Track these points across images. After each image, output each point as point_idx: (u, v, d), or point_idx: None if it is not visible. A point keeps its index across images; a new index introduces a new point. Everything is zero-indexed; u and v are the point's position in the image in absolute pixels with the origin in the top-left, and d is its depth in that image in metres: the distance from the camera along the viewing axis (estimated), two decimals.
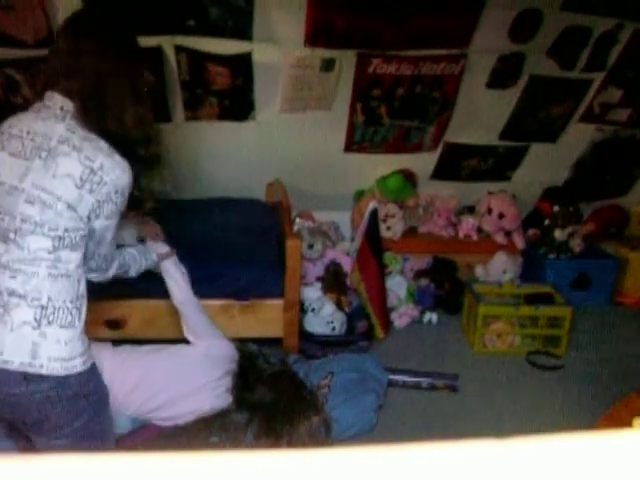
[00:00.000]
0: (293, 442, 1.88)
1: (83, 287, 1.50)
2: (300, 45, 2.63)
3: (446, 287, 3.24)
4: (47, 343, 1.39)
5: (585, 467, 0.46)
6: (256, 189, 3.26)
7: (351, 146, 3.21)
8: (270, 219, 2.96)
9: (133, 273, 1.86)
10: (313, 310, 2.85)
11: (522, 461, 0.46)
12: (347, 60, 2.77)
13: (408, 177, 3.42)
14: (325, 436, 1.99)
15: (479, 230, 3.49)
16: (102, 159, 1.43)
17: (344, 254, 3.25)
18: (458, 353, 2.88)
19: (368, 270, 2.94)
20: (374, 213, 2.90)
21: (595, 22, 2.74)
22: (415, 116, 3.10)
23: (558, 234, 3.33)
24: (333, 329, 2.81)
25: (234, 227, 2.82)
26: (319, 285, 3.02)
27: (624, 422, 1.86)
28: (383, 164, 3.37)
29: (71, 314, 1.44)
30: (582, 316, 3.06)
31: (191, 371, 2.05)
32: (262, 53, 2.65)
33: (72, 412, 1.44)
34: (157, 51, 2.60)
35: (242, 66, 2.71)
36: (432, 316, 3.15)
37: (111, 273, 1.70)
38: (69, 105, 1.46)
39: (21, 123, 1.48)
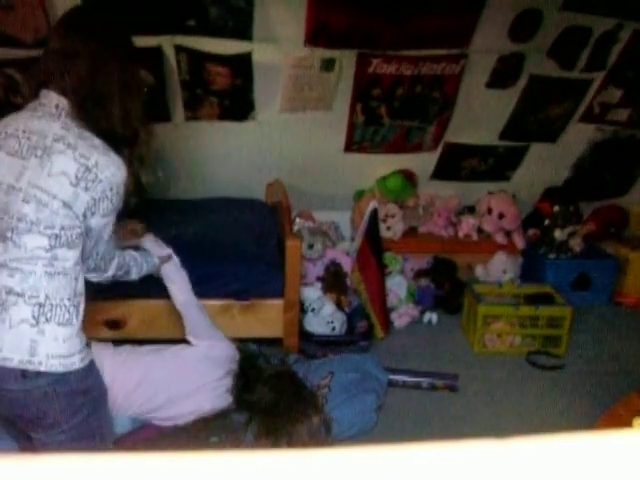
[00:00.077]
0: (293, 442, 1.88)
1: (81, 285, 1.50)
2: (300, 45, 2.64)
3: (446, 287, 3.24)
4: (45, 340, 1.40)
5: (585, 467, 0.46)
6: (256, 189, 3.26)
7: (351, 146, 3.20)
8: (270, 219, 2.96)
9: (134, 276, 1.85)
10: (313, 310, 2.84)
11: (522, 461, 0.46)
12: (347, 60, 2.77)
13: (408, 177, 3.42)
14: (325, 436, 1.99)
15: (479, 230, 3.49)
16: (97, 157, 1.43)
17: (344, 254, 3.24)
18: (458, 353, 2.87)
19: (368, 270, 2.94)
20: (374, 213, 2.91)
21: (595, 22, 2.75)
22: (415, 116, 3.10)
23: (558, 234, 3.33)
24: (333, 329, 2.81)
25: (234, 227, 2.82)
26: (319, 285, 3.02)
27: (624, 422, 1.87)
28: (383, 164, 3.36)
29: (69, 312, 1.44)
30: (582, 316, 3.06)
31: (191, 371, 2.04)
32: (262, 53, 2.65)
33: (69, 409, 1.44)
34: (157, 51, 2.60)
35: (242, 66, 2.71)
36: (432, 316, 3.15)
37: (110, 273, 1.69)
38: (64, 103, 1.46)
39: (17, 122, 1.47)
